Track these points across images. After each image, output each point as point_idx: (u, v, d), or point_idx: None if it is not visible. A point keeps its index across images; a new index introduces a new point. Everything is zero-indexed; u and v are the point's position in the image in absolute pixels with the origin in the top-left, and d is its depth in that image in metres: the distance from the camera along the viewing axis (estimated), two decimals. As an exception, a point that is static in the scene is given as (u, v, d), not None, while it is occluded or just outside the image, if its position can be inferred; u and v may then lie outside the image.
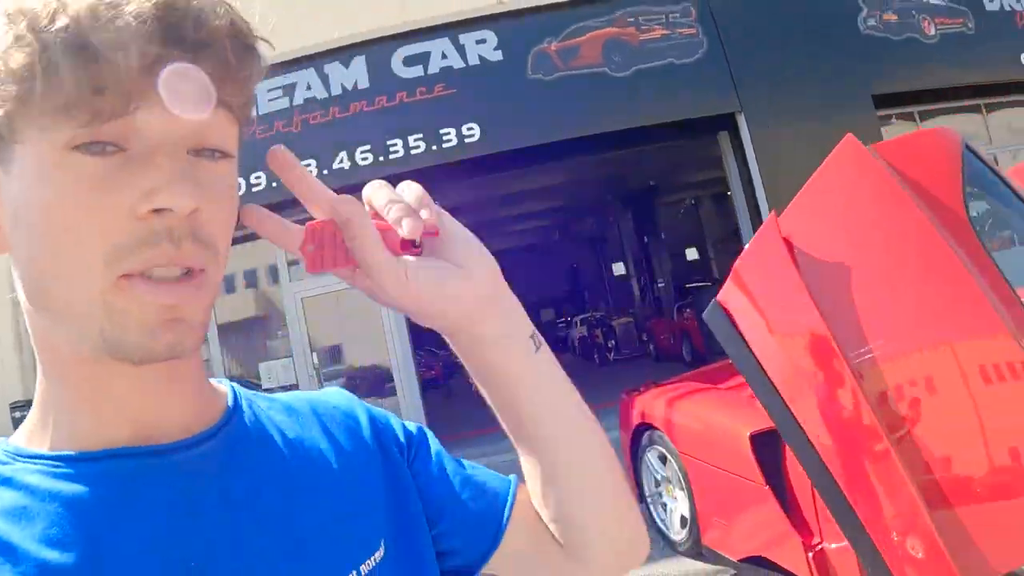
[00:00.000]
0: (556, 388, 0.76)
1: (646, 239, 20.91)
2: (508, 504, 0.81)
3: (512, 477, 0.85)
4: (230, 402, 0.69)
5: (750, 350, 2.59)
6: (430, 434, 0.84)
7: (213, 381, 0.71)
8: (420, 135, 9.23)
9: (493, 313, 0.69)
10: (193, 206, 0.53)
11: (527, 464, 0.80)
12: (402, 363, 9.75)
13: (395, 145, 9.29)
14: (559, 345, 32.42)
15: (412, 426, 0.83)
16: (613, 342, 19.48)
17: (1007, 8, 12.85)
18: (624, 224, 21.66)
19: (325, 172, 9.13)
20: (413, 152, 9.24)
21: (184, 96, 0.51)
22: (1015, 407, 2.18)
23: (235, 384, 0.73)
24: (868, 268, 2.51)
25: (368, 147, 9.32)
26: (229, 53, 0.54)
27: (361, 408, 0.80)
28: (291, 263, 10.20)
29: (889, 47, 11.13)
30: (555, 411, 0.75)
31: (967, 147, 2.72)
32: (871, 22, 11.12)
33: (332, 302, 10.16)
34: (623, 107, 9.46)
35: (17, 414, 9.51)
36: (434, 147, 9.21)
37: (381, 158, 9.29)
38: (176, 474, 0.59)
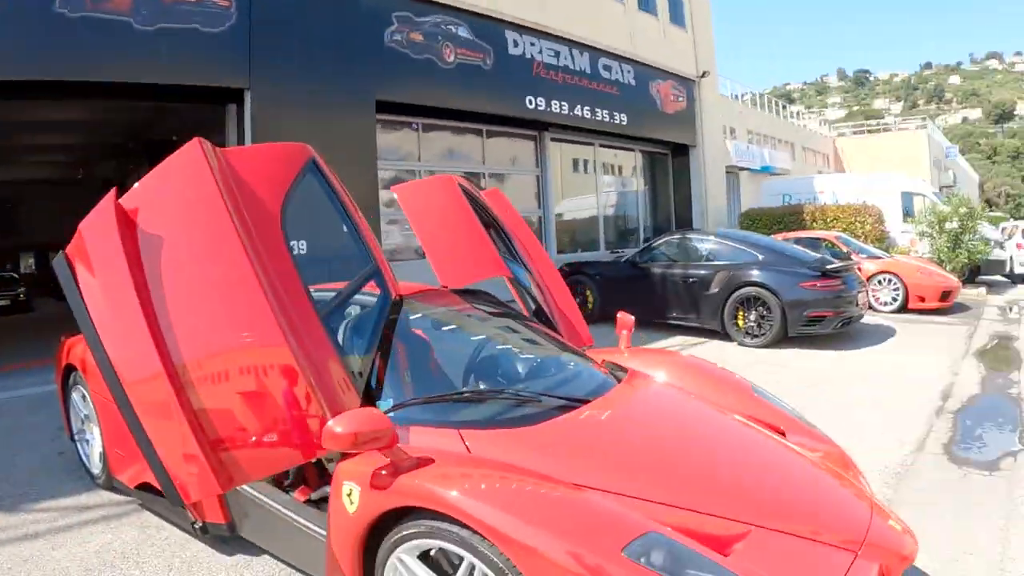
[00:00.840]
0: None
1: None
2: None
3: None
4: None
5: (82, 298, 2.93)
6: None
7: None
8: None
9: None
10: None
11: None
12: None
13: None
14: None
15: None
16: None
17: (527, 56, 15.13)
18: (144, 172, 20.71)
19: None
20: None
21: None
22: (261, 376, 2.83)
23: None
24: (183, 246, 2.96)
25: None
26: None
27: None
28: None
29: (405, 62, 12.45)
30: None
31: (314, 163, 3.27)
32: (397, 37, 12.34)
33: None
34: (139, 62, 9.12)
35: None
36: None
37: None
38: None
